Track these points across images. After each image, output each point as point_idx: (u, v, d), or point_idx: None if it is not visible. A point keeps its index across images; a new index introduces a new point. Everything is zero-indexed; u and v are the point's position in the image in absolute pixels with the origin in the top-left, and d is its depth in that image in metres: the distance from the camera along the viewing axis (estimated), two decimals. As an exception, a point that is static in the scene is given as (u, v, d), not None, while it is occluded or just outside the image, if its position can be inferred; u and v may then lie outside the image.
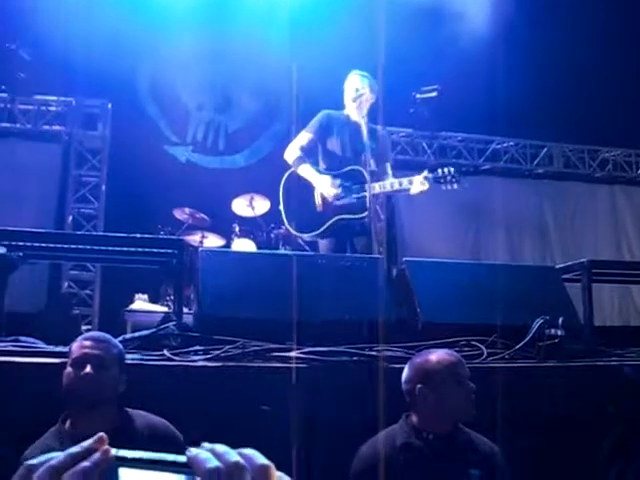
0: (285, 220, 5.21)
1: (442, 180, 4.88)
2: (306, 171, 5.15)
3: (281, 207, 5.23)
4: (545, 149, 9.80)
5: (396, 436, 2.68)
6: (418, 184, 4.89)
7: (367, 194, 4.91)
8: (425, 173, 4.91)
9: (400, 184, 4.96)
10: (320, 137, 5.25)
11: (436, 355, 2.75)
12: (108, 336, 2.67)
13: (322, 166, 5.22)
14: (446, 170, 4.90)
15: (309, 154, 5.25)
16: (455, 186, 4.88)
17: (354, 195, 5.00)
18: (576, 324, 3.93)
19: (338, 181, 5.05)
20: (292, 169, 5.21)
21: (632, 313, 9.32)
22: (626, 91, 8.41)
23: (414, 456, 2.62)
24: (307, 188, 5.12)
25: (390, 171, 5.26)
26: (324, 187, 5.05)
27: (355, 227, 5.04)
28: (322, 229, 5.04)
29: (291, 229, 5.18)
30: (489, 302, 3.85)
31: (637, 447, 3.24)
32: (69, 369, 2.53)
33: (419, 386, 2.67)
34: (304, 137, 5.28)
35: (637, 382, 3.48)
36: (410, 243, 8.84)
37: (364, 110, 5.14)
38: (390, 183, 4.99)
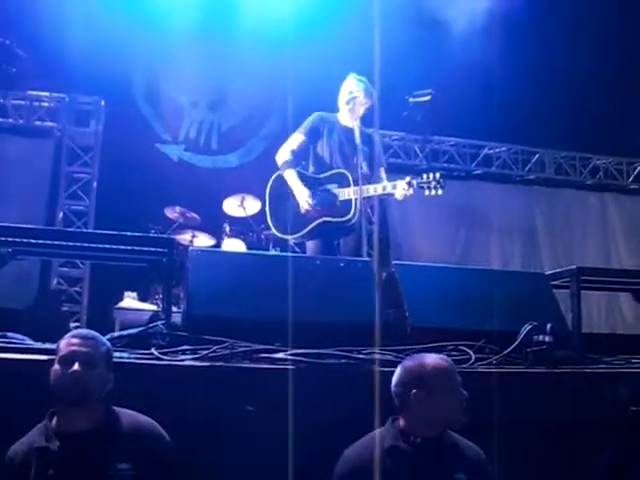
0: (269, 221, 5.20)
1: (425, 186, 4.89)
2: (290, 177, 5.14)
3: (267, 208, 5.23)
4: (537, 155, 9.84)
5: (382, 439, 2.67)
6: (401, 189, 4.89)
7: (352, 197, 4.92)
8: (408, 178, 4.91)
9: (384, 188, 4.96)
10: (311, 139, 5.25)
11: (431, 360, 2.74)
12: (96, 334, 2.66)
13: (311, 169, 5.22)
14: (431, 176, 4.89)
15: (301, 156, 5.24)
16: (439, 192, 4.87)
17: (338, 199, 5.00)
18: (564, 331, 3.94)
19: (318, 190, 5.03)
20: (279, 171, 5.21)
21: (619, 321, 9.36)
22: (618, 99, 8.46)
23: (401, 460, 2.62)
24: (292, 191, 5.12)
25: (384, 176, 5.26)
26: (300, 199, 5.04)
27: (341, 229, 5.04)
28: (305, 231, 5.04)
29: (275, 230, 5.18)
30: (478, 307, 3.86)
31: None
32: (56, 366, 2.52)
33: (415, 391, 2.66)
34: (296, 139, 5.27)
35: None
36: (402, 246, 8.85)
37: (357, 113, 5.14)
38: (374, 187, 4.98)
